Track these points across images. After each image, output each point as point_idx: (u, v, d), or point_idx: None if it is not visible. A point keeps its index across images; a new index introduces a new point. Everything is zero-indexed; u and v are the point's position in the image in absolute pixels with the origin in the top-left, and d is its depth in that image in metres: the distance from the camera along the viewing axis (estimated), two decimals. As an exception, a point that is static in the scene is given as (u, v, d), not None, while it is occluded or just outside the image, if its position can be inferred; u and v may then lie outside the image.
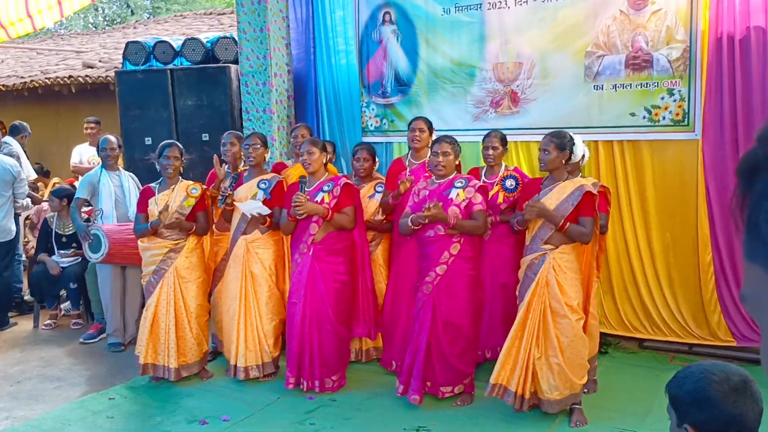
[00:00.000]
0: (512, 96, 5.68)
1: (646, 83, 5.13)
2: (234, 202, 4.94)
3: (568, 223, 4.06)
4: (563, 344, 4.12)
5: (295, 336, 4.72)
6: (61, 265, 6.53)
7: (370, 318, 4.88)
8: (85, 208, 6.12)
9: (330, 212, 4.59)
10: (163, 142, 5.14)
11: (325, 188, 4.69)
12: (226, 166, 5.45)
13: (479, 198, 4.40)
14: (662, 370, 5.01)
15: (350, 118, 6.62)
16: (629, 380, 4.91)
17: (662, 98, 5.10)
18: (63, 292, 6.88)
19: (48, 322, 6.69)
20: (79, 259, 6.57)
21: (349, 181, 4.79)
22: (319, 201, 4.63)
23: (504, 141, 4.92)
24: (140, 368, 4.97)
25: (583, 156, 4.58)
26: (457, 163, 4.52)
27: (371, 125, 6.45)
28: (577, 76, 5.36)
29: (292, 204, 4.58)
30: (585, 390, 4.53)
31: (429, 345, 4.44)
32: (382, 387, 4.89)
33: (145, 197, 5.07)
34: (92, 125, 7.81)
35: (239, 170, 5.30)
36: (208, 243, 5.34)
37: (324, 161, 4.78)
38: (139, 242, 5.10)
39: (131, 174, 6.17)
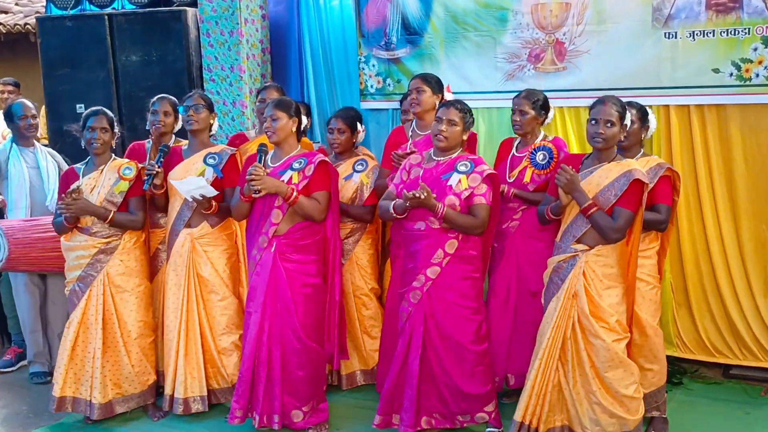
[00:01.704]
0: (557, 47, 5.64)
1: (734, 30, 5.08)
2: (171, 181, 4.88)
3: (595, 208, 4.08)
4: (599, 370, 4.13)
5: (249, 354, 4.69)
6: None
7: (334, 338, 4.83)
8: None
9: (295, 194, 4.55)
10: (87, 110, 5.08)
11: (295, 165, 4.66)
12: (150, 142, 5.44)
13: (484, 189, 4.38)
14: (754, 406, 4.97)
15: (344, 78, 6.58)
16: (710, 419, 4.87)
17: (755, 49, 5.03)
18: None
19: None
20: None
21: (326, 159, 4.75)
22: (286, 181, 4.60)
23: (538, 104, 4.91)
24: (54, 402, 4.93)
25: (646, 127, 4.61)
26: (465, 137, 4.48)
27: (371, 86, 6.41)
28: (643, 20, 5.32)
29: (247, 178, 4.53)
30: (651, 431, 4.50)
31: (424, 368, 4.45)
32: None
33: (66, 182, 5.00)
34: (10, 88, 7.75)
35: (171, 145, 5.26)
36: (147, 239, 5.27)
37: (294, 130, 4.73)
38: (62, 241, 5.03)
39: (50, 150, 6.12)
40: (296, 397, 4.71)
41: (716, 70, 5.14)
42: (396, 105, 6.21)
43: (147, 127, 5.44)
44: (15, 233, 5.39)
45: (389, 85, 6.34)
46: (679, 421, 4.74)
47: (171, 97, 5.41)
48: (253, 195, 4.56)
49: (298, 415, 4.72)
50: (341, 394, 5.31)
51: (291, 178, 4.60)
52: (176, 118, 5.34)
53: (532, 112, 4.87)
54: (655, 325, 4.54)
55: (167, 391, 5.01)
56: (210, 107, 5.10)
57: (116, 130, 5.07)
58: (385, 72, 6.33)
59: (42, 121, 7.03)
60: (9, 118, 5.90)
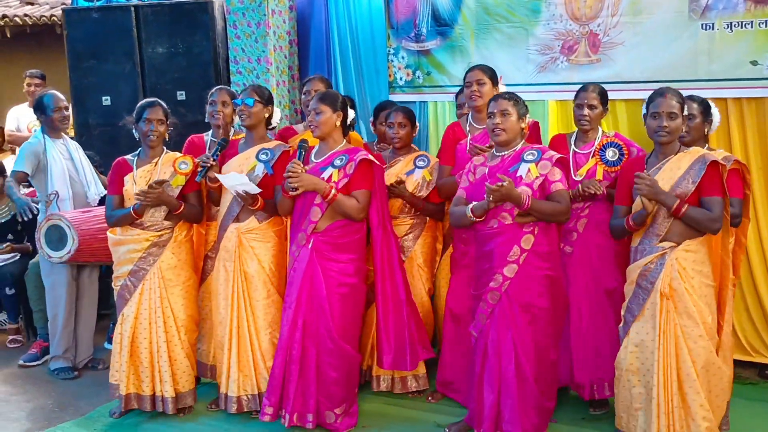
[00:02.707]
0: (591, 39, 5.59)
1: (774, 21, 5.06)
2: (216, 175, 4.82)
3: (686, 205, 3.93)
4: (702, 378, 3.98)
5: (281, 352, 4.64)
6: (-4, 264, 6.53)
7: (403, 342, 4.71)
8: (24, 190, 6.02)
9: (333, 192, 4.48)
10: (142, 101, 5.05)
11: (337, 162, 4.60)
12: (210, 134, 5.37)
13: (558, 174, 4.24)
14: (794, 408, 4.91)
15: (373, 70, 6.56)
16: (746, 420, 4.74)
17: (796, 41, 5.00)
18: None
19: (-22, 338, 6.66)
20: (17, 257, 6.56)
21: (370, 156, 4.64)
22: (326, 178, 4.54)
23: (604, 97, 4.80)
24: (122, 401, 4.92)
25: (709, 121, 4.54)
26: (523, 126, 4.35)
27: (400, 78, 6.39)
28: (680, 11, 5.28)
29: (285, 174, 4.49)
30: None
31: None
32: (413, 427, 4.81)
33: (119, 174, 4.96)
34: (37, 81, 7.77)
35: (231, 137, 5.20)
36: (196, 234, 5.25)
37: (338, 124, 4.67)
38: (109, 234, 5.00)
39: (76, 143, 6.11)
40: (330, 398, 4.64)
41: (754, 63, 5.11)
42: (424, 98, 6.22)
43: (206, 119, 5.39)
44: (80, 225, 5.41)
45: (419, 77, 6.31)
46: (715, 422, 4.64)
47: (229, 87, 5.36)
48: (291, 192, 4.52)
49: (330, 416, 4.64)
50: (369, 393, 5.22)
51: (331, 175, 4.55)
52: (235, 110, 5.23)
53: (601, 107, 4.76)
54: (731, 335, 4.40)
55: (222, 389, 4.93)
56: (265, 100, 4.96)
57: (170, 121, 5.04)
58: (415, 64, 6.31)
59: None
60: (41, 109, 5.84)
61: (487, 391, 4.31)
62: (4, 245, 6.51)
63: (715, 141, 5.24)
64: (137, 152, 5.02)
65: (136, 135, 4.98)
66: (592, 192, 4.57)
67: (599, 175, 4.67)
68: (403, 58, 6.35)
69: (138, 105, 5.02)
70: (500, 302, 4.26)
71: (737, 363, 5.31)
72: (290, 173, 4.46)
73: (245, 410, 4.89)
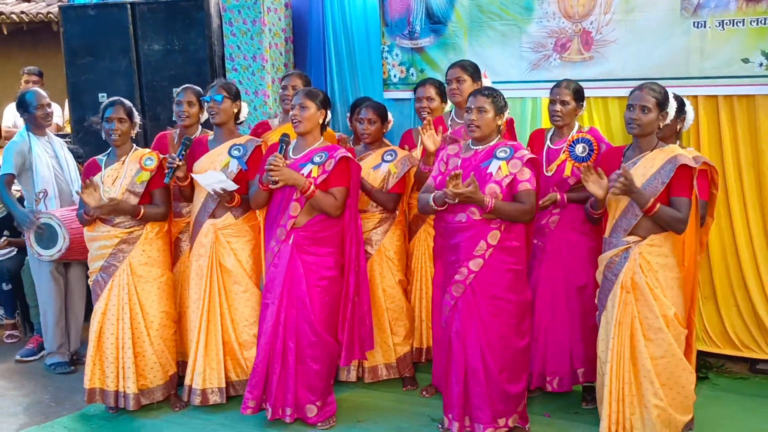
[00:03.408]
0: (584, 37, 5.59)
1: (765, 19, 5.02)
2: (192, 175, 4.83)
3: (658, 204, 3.96)
4: (659, 369, 4.03)
5: (264, 346, 4.65)
6: (-9, 260, 6.52)
7: (344, 335, 4.72)
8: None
9: (311, 188, 4.49)
10: (105, 102, 5.05)
11: (316, 159, 4.61)
12: (178, 132, 5.37)
13: (527, 174, 4.24)
14: (782, 402, 4.94)
15: (367, 67, 6.57)
16: (737, 415, 4.80)
17: (786, 39, 5.00)
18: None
19: (-25, 334, 6.67)
20: (14, 252, 6.56)
21: (348, 154, 4.66)
22: (305, 174, 4.55)
23: (577, 94, 4.79)
24: (86, 394, 4.94)
25: (682, 118, 4.56)
26: (500, 123, 4.36)
27: (394, 76, 6.40)
28: (672, 9, 5.28)
29: (266, 168, 4.49)
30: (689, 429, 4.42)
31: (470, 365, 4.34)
32: (408, 418, 4.84)
33: (89, 173, 4.97)
34: (34, 78, 7.78)
35: (196, 135, 5.20)
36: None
37: (321, 121, 4.69)
38: (85, 231, 5.01)
39: (59, 139, 6.10)
40: (312, 391, 4.66)
41: (746, 60, 5.11)
42: None
43: (173, 118, 5.39)
44: (70, 223, 5.40)
45: (412, 74, 6.30)
46: (705, 416, 4.63)
47: (195, 87, 5.35)
48: (271, 185, 4.51)
49: (312, 409, 4.67)
50: (364, 387, 5.26)
51: (311, 171, 4.56)
52: (201, 108, 5.27)
53: (573, 103, 4.75)
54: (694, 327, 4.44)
55: (186, 381, 4.98)
56: (234, 96, 5.00)
57: (136, 120, 5.02)
58: (409, 61, 6.31)
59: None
60: (23, 107, 5.84)
61: (453, 381, 4.37)
62: (2, 240, 6.50)
63: (706, 137, 5.31)
64: (108, 152, 5.03)
65: (102, 135, 4.98)
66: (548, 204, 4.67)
67: (568, 171, 4.70)
68: (397, 55, 6.35)
69: (102, 105, 5.02)
70: (464, 294, 4.31)
71: (728, 358, 5.45)
72: (272, 166, 4.44)
73: (210, 403, 4.93)
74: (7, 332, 6.63)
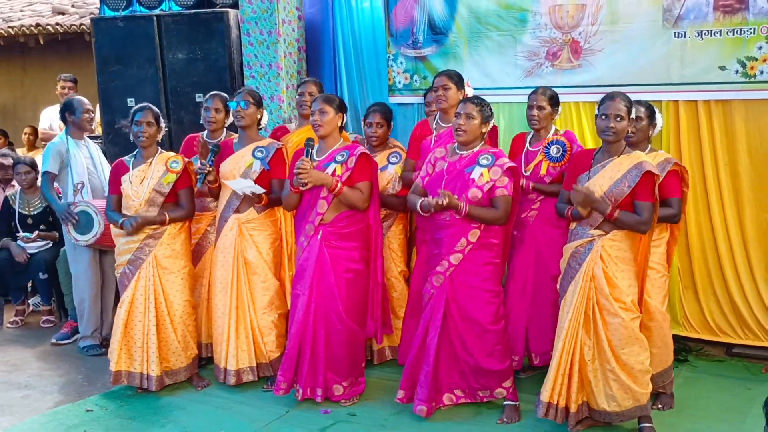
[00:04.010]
0: (573, 46, 5.67)
1: (740, 29, 5.10)
2: (224, 181, 4.96)
3: (617, 211, 4.08)
4: (615, 347, 4.16)
5: (295, 333, 4.79)
6: (29, 251, 6.67)
7: (378, 316, 4.93)
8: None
9: (339, 185, 4.64)
10: (135, 107, 5.18)
11: (338, 158, 4.72)
12: (205, 135, 5.47)
13: (505, 181, 4.40)
14: (755, 383, 5.01)
15: (374, 74, 6.64)
16: (714, 394, 4.92)
17: (760, 48, 5.05)
18: (31, 284, 7.02)
19: (14, 319, 6.82)
20: (50, 245, 6.71)
21: (366, 151, 4.79)
22: (330, 173, 4.67)
23: (553, 100, 4.92)
24: (111, 376, 5.11)
25: (654, 124, 4.63)
26: (484, 131, 4.51)
27: (399, 82, 6.46)
28: (654, 20, 5.35)
29: (295, 171, 4.61)
30: (659, 406, 4.59)
31: (443, 346, 4.52)
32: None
33: (116, 174, 5.11)
34: (69, 84, 7.90)
35: (220, 142, 5.29)
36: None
37: (339, 124, 4.81)
38: (111, 227, 5.18)
39: (96, 145, 6.28)
40: (338, 373, 4.82)
41: (723, 68, 5.17)
42: (422, 100, 6.22)
43: (201, 122, 5.49)
44: (104, 211, 5.49)
45: (416, 81, 6.37)
46: (685, 396, 4.78)
47: (222, 94, 5.44)
48: (301, 188, 4.65)
49: (338, 389, 4.84)
50: (371, 368, 5.37)
51: (335, 170, 4.67)
52: (227, 114, 5.36)
53: (549, 108, 4.88)
54: (663, 311, 4.56)
55: (221, 364, 5.11)
56: (258, 103, 5.11)
57: (162, 124, 5.15)
58: (412, 69, 6.37)
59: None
60: (70, 111, 5.98)
61: (424, 363, 4.55)
62: (33, 234, 6.66)
63: (687, 139, 5.36)
64: (134, 153, 5.15)
65: (131, 137, 5.11)
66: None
67: (543, 170, 4.85)
68: (401, 63, 6.41)
69: (132, 109, 5.15)
70: (443, 285, 4.50)
71: (706, 342, 5.52)
72: (300, 170, 4.57)
73: (243, 381, 5.07)
74: (44, 318, 6.76)
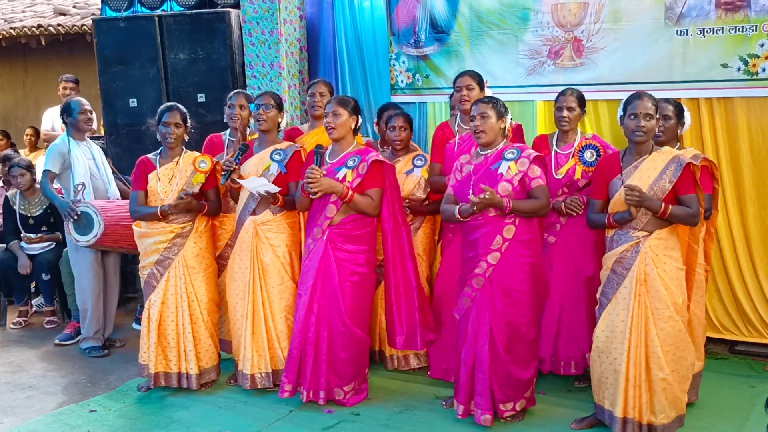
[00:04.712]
0: (575, 44, 5.65)
1: (742, 27, 5.08)
2: (238, 180, 4.94)
3: (670, 207, 3.99)
4: (668, 354, 4.07)
5: (298, 335, 4.77)
6: (31, 252, 6.67)
7: (414, 324, 4.80)
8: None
9: (350, 193, 4.60)
10: (162, 106, 5.18)
11: (350, 163, 4.68)
12: (228, 134, 5.47)
13: (538, 171, 4.34)
14: (759, 380, 5.00)
15: (376, 74, 6.63)
16: (718, 391, 4.90)
17: (762, 45, 5.03)
18: (34, 285, 7.03)
19: (17, 320, 6.83)
20: (53, 245, 6.70)
21: (379, 157, 4.72)
22: (341, 178, 4.63)
23: (581, 101, 4.89)
24: (151, 379, 5.09)
25: (682, 122, 4.60)
26: (503, 126, 4.44)
27: (401, 81, 6.45)
28: (656, 18, 5.34)
29: (305, 178, 4.59)
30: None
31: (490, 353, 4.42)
32: (413, 399, 4.95)
33: (143, 171, 5.08)
34: (71, 85, 7.91)
35: (248, 139, 5.30)
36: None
37: (353, 127, 4.76)
38: (134, 227, 5.14)
39: (98, 146, 6.27)
40: (339, 376, 4.78)
41: (725, 65, 5.16)
42: (423, 99, 6.27)
43: (224, 120, 5.48)
44: (105, 212, 5.55)
45: (418, 80, 6.36)
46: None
47: (246, 91, 5.40)
48: (311, 195, 4.63)
49: (339, 393, 4.80)
50: (375, 367, 5.34)
51: (345, 176, 4.64)
52: (251, 112, 5.33)
53: (579, 109, 4.84)
54: (701, 315, 4.50)
55: (239, 366, 5.09)
56: (279, 106, 5.08)
57: (188, 123, 5.14)
58: (414, 68, 6.36)
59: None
60: (68, 112, 5.97)
61: (462, 366, 4.47)
62: (36, 236, 6.66)
63: (689, 137, 5.28)
64: (158, 151, 5.13)
65: (158, 137, 5.10)
66: (573, 212, 4.72)
67: (578, 174, 4.77)
68: (403, 62, 6.39)
69: (159, 109, 5.14)
70: (484, 287, 4.38)
71: (709, 340, 5.36)
72: (309, 179, 4.55)
73: (258, 387, 5.02)
74: (47, 318, 6.78)
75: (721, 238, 5.37)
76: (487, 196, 4.20)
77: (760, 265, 5.31)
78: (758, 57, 5.05)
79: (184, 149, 5.14)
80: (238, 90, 5.46)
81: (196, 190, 5.01)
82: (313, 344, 4.74)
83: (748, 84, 5.10)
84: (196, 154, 5.13)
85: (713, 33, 5.18)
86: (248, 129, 5.49)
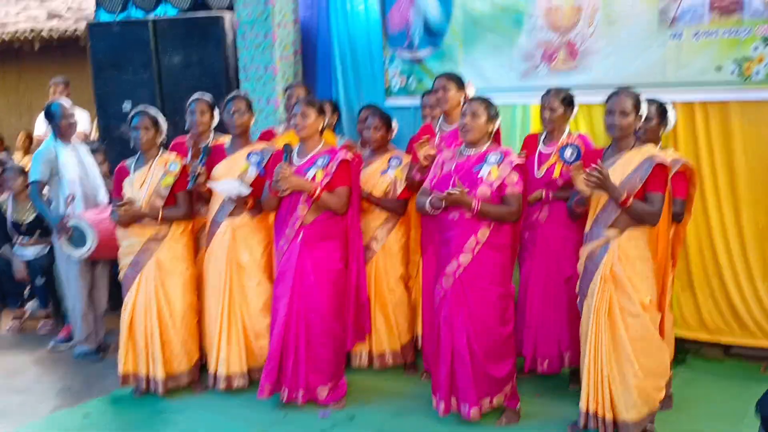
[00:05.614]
0: (569, 48, 5.66)
1: (736, 30, 5.09)
2: (208, 183, 4.93)
3: (631, 199, 4.03)
4: (637, 350, 4.09)
5: (276, 336, 4.77)
6: (26, 257, 6.63)
7: (349, 319, 4.91)
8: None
9: (318, 191, 4.61)
10: (132, 110, 5.16)
11: (319, 162, 4.71)
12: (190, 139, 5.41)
13: (515, 178, 4.35)
14: (753, 383, 4.96)
15: (370, 77, 6.64)
16: (711, 395, 4.90)
17: (756, 48, 5.03)
18: (28, 289, 6.96)
19: (11, 324, 6.80)
20: (47, 249, 6.62)
21: (347, 157, 4.75)
22: (310, 178, 4.66)
23: (567, 101, 4.89)
24: (120, 379, 5.08)
25: (665, 123, 4.60)
26: (491, 130, 4.46)
27: (395, 85, 6.46)
28: (650, 21, 5.33)
29: (274, 177, 4.60)
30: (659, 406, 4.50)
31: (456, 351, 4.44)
32: (410, 400, 4.94)
33: (119, 178, 5.09)
34: (60, 87, 7.86)
35: (210, 144, 5.22)
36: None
37: (320, 127, 4.80)
38: (117, 230, 5.12)
39: (86, 148, 6.19)
40: (322, 374, 4.79)
41: (719, 68, 5.16)
42: (418, 102, 6.12)
43: (186, 127, 5.45)
44: (97, 225, 5.50)
45: (412, 83, 6.37)
46: (683, 397, 4.76)
47: (206, 96, 5.39)
48: (281, 194, 4.64)
49: (323, 391, 4.80)
50: (370, 372, 5.37)
51: (315, 175, 4.67)
52: (212, 116, 5.33)
53: (561, 110, 4.86)
54: (666, 310, 4.48)
55: (211, 369, 5.08)
56: (251, 108, 5.09)
57: (162, 127, 5.10)
58: (408, 71, 6.37)
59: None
60: (50, 117, 5.89)
61: (441, 363, 4.48)
62: (30, 239, 6.62)
63: (683, 140, 5.34)
64: (137, 156, 5.12)
65: (131, 142, 5.08)
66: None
67: (557, 173, 4.80)
68: (397, 66, 6.40)
69: (129, 114, 5.12)
70: (453, 286, 4.40)
71: (703, 343, 5.49)
72: (279, 177, 4.57)
73: (234, 387, 5.03)
74: (41, 322, 6.74)
75: (715, 241, 5.37)
76: (457, 193, 4.23)
77: (755, 268, 5.30)
78: (752, 60, 5.05)
79: (161, 152, 5.11)
80: (196, 96, 5.37)
81: (166, 193, 4.98)
82: (293, 344, 4.75)
83: (743, 87, 5.10)
84: (171, 156, 5.11)
85: (707, 36, 5.17)
86: (212, 134, 5.40)
